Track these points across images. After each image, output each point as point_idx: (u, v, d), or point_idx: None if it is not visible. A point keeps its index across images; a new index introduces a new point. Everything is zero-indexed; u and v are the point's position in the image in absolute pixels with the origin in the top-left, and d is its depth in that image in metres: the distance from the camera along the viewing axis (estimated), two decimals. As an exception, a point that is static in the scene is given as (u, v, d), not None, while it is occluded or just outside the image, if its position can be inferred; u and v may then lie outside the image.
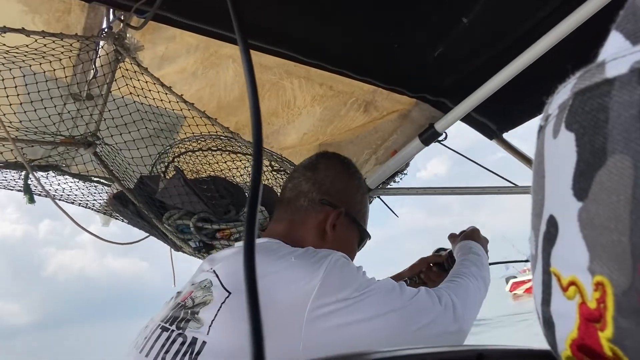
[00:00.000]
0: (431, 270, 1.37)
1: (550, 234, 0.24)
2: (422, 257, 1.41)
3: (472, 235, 1.32)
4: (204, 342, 0.79)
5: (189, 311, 0.87)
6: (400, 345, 0.89)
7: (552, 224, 0.24)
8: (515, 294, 36.46)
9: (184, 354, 0.79)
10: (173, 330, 0.84)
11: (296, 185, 1.09)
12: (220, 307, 0.82)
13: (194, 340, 0.80)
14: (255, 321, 0.24)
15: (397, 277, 1.39)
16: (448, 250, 1.40)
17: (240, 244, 1.02)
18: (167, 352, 0.81)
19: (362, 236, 1.11)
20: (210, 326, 0.80)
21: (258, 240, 0.99)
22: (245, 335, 0.81)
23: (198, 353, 0.78)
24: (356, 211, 1.09)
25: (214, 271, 0.92)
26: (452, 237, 1.37)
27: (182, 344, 0.81)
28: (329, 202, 1.05)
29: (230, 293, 0.84)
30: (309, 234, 1.03)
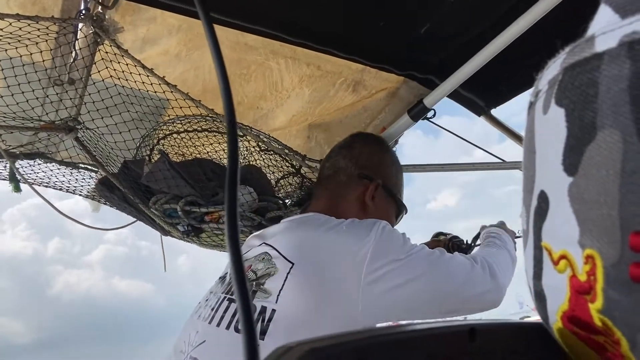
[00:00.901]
0: None
1: (541, 209, 0.24)
2: (421, 243, 1.43)
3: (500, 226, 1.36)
4: (274, 310, 0.84)
5: (254, 283, 0.90)
6: (446, 301, 0.92)
7: (543, 199, 0.24)
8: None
9: (256, 322, 0.82)
10: None
11: (333, 163, 1.16)
12: (287, 277, 0.86)
13: (263, 309, 0.84)
14: (246, 314, 0.24)
15: None
16: (449, 236, 1.43)
17: (288, 218, 1.07)
18: (238, 320, 0.84)
19: (400, 208, 1.17)
20: (278, 295, 0.85)
21: (305, 215, 1.06)
22: (311, 303, 0.83)
23: (270, 320, 0.83)
24: (392, 184, 1.15)
25: (269, 245, 0.96)
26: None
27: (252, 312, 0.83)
28: (366, 175, 1.11)
29: (293, 264, 0.88)
30: (350, 206, 1.08)
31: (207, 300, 0.99)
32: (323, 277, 0.86)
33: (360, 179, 1.11)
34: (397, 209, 1.16)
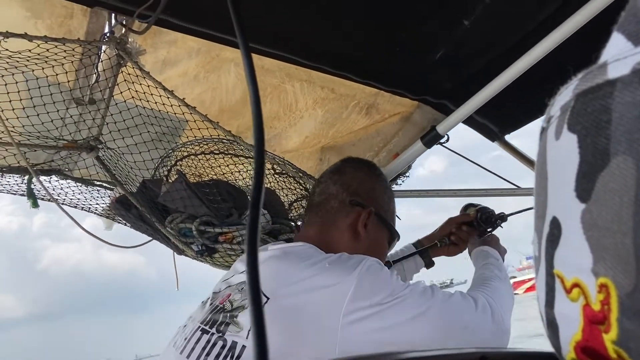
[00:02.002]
0: (461, 230, 1.35)
1: (554, 235, 0.24)
2: (450, 217, 1.39)
3: (490, 241, 1.31)
4: (244, 347, 0.81)
5: (228, 314, 0.88)
6: (438, 347, 0.84)
7: (555, 225, 0.24)
8: (516, 293, 36.04)
9: (225, 358, 0.80)
10: (213, 334, 0.86)
11: (324, 189, 1.11)
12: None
13: (234, 344, 0.81)
14: (258, 326, 0.24)
15: (427, 239, 1.38)
16: (478, 207, 1.36)
17: (275, 246, 1.02)
18: (207, 354, 0.83)
19: (392, 235, 1.12)
20: (249, 330, 0.80)
21: (293, 244, 1.01)
22: (283, 341, 0.80)
23: (238, 357, 0.80)
24: (384, 211, 1.10)
25: None
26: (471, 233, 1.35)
27: (223, 347, 0.82)
28: (359, 202, 1.06)
29: (268, 298, 0.84)
30: (341, 235, 1.04)
31: (185, 326, 0.96)
32: (298, 315, 0.82)
33: (352, 206, 1.06)
34: (389, 236, 1.12)
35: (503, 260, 1.26)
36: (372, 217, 1.05)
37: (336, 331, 0.80)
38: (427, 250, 1.36)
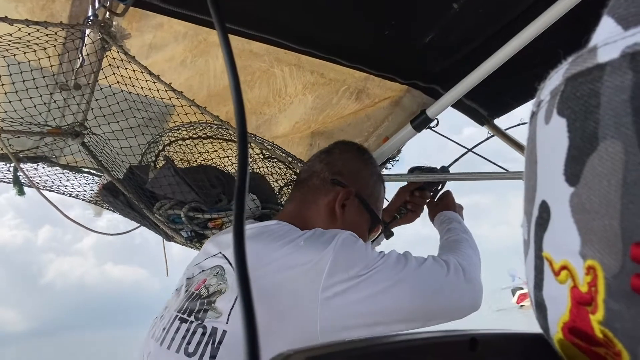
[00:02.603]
0: (414, 196, 1.40)
1: (543, 219, 0.24)
2: (400, 186, 1.43)
3: (447, 203, 1.37)
4: (225, 331, 0.80)
5: (205, 301, 0.87)
6: (417, 313, 0.86)
7: (544, 209, 0.24)
8: (523, 305, 36.32)
9: (206, 344, 0.80)
10: (192, 322, 0.85)
11: (310, 166, 1.12)
12: (238, 295, 0.82)
13: (214, 330, 0.81)
14: (249, 315, 0.24)
15: (385, 214, 1.40)
16: (422, 168, 1.42)
17: (249, 225, 1.01)
18: (188, 343, 0.82)
19: (374, 221, 1.11)
20: (229, 315, 0.81)
21: (267, 223, 1.00)
22: (264, 321, 0.80)
23: (220, 342, 0.79)
24: (368, 194, 1.10)
25: (224, 256, 0.93)
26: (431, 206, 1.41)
27: (203, 334, 0.82)
28: (339, 182, 1.06)
29: None
30: (318, 212, 1.04)
31: (161, 317, 0.95)
32: (277, 295, 0.82)
33: (333, 185, 1.05)
34: (370, 221, 1.10)
35: (462, 217, 1.32)
36: (351, 198, 1.05)
37: (316, 308, 0.81)
38: (388, 224, 1.40)
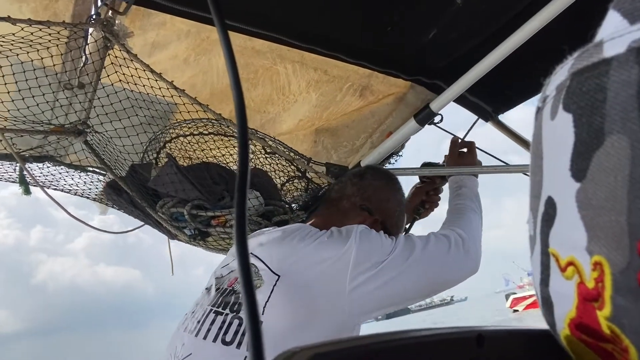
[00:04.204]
0: (430, 196, 1.48)
1: (549, 214, 0.24)
2: (416, 186, 1.50)
3: (468, 161, 1.41)
4: (260, 322, 0.82)
5: (240, 295, 0.91)
6: (424, 290, 0.97)
7: (551, 205, 0.24)
8: (516, 310, 36.27)
9: (243, 334, 0.86)
10: (227, 314, 0.91)
11: (342, 187, 1.20)
12: (273, 289, 0.90)
13: None
14: (252, 312, 0.24)
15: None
16: (436, 164, 1.48)
17: (273, 228, 1.10)
18: (225, 333, 0.88)
19: None
20: (264, 307, 0.88)
21: (291, 226, 1.09)
22: (298, 314, 0.87)
23: None
24: (392, 224, 1.17)
25: (255, 255, 0.99)
26: (452, 146, 1.46)
27: (240, 325, 0.88)
28: (368, 208, 1.13)
29: (279, 276, 0.91)
30: None
31: (193, 312, 1.00)
32: (309, 287, 0.90)
33: (362, 210, 1.14)
34: None
35: (477, 177, 1.37)
36: (377, 225, 1.11)
37: (344, 296, 0.89)
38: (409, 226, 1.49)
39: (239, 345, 0.85)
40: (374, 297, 0.91)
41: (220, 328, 0.89)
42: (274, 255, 0.96)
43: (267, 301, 0.89)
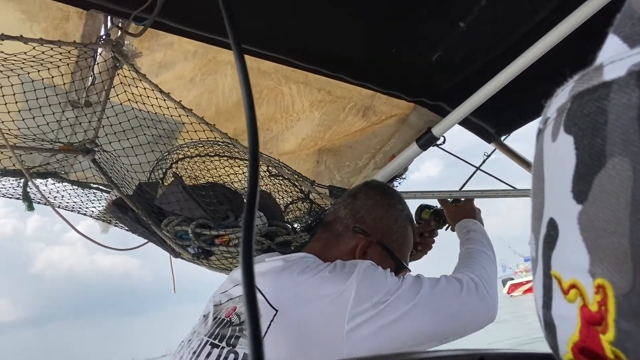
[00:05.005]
0: (425, 237, 1.42)
1: (551, 237, 0.24)
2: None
3: (467, 210, 1.38)
4: (263, 345, 0.81)
5: (237, 328, 0.90)
6: (433, 335, 0.89)
7: (552, 226, 0.24)
8: (512, 296, 36.11)
9: None
10: (224, 347, 0.87)
11: (336, 210, 1.16)
12: (270, 325, 0.85)
13: (245, 356, 0.83)
14: (254, 329, 0.24)
15: None
16: (431, 210, 1.45)
17: (273, 257, 1.05)
18: None
19: (398, 267, 1.11)
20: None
21: (292, 255, 1.04)
22: (293, 353, 0.83)
23: None
24: (391, 241, 1.12)
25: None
26: (444, 203, 1.45)
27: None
28: (362, 230, 1.09)
29: (277, 311, 0.87)
30: (341, 257, 1.05)
31: (189, 341, 0.98)
32: (306, 325, 0.85)
33: (355, 232, 1.09)
34: (394, 267, 1.10)
35: (482, 223, 1.34)
36: (373, 246, 1.08)
37: (341, 338, 0.83)
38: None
39: None
40: (375, 340, 0.85)
41: None
42: (274, 287, 0.92)
43: (263, 337, 0.86)
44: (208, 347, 0.90)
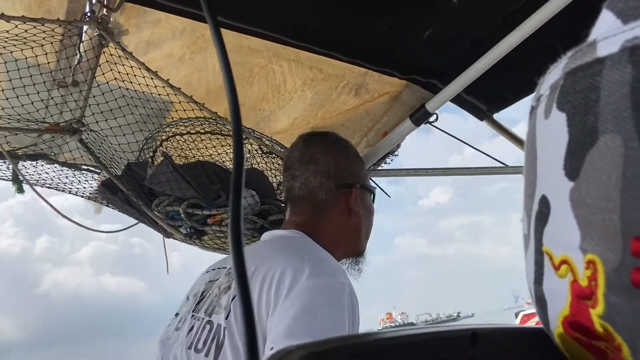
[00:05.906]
0: None
1: (543, 213, 0.24)
2: None
3: None
4: (224, 328, 0.82)
5: (216, 297, 0.91)
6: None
7: (544, 203, 0.24)
8: None
9: (212, 341, 0.82)
10: (203, 318, 0.88)
11: (305, 183, 1.10)
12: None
13: (218, 326, 0.83)
14: (247, 312, 0.24)
15: None
16: None
17: (270, 233, 1.08)
18: (198, 340, 0.85)
19: (372, 192, 1.18)
20: (228, 310, 0.83)
21: (282, 232, 1.06)
22: (258, 319, 0.79)
23: (223, 338, 0.81)
24: (362, 177, 1.15)
25: None
26: None
27: (210, 330, 0.84)
28: (345, 184, 1.10)
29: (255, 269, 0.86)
30: (337, 218, 1.08)
31: (178, 320, 0.99)
32: (264, 281, 0.82)
33: (339, 190, 1.09)
34: (372, 196, 1.18)
35: None
36: (360, 191, 1.11)
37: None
38: None
39: (208, 352, 0.81)
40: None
41: (196, 334, 0.88)
42: (248, 256, 0.90)
43: (230, 304, 0.85)
44: (190, 320, 0.92)
